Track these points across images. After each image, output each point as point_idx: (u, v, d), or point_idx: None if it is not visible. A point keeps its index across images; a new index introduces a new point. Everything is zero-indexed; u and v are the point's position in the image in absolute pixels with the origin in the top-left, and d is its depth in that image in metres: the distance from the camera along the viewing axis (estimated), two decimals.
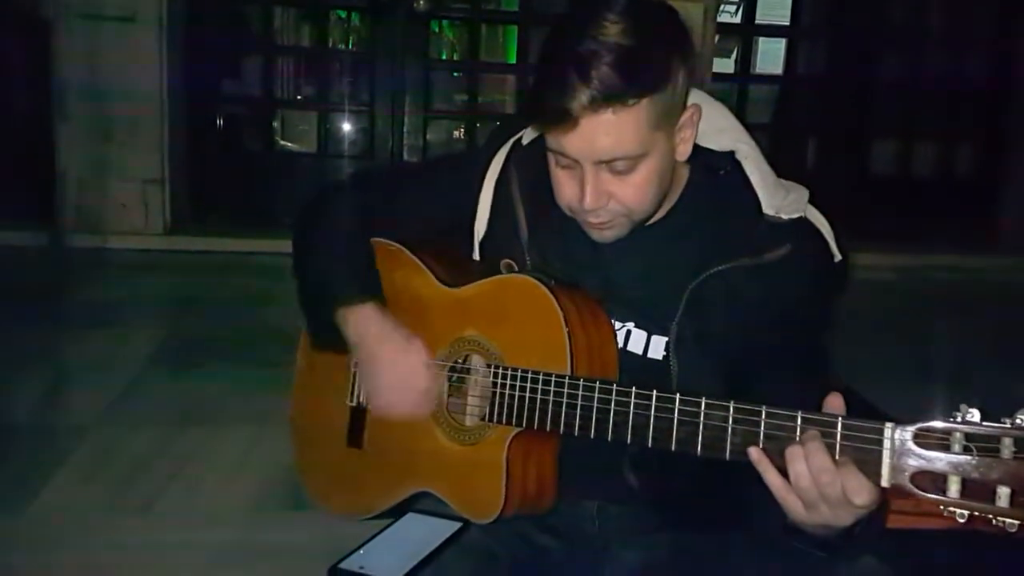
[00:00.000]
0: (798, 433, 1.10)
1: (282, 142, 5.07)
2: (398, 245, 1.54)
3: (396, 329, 1.47)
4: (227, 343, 3.35)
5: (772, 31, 5.15)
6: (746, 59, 4.93)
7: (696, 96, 1.37)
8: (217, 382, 2.99)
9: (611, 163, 1.26)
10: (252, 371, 2.96)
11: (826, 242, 1.37)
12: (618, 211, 1.32)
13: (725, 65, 5.54)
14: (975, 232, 4.86)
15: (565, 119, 1.22)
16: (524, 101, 1.47)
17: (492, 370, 1.38)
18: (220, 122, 4.66)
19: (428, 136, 4.68)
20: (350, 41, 5.50)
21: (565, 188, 1.32)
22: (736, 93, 4.72)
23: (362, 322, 1.47)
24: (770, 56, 5.42)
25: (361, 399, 1.55)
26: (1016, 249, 4.75)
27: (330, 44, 5.11)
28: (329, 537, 1.53)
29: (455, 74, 5.41)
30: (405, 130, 4.55)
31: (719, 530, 1.42)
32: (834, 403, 1.12)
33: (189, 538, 2.14)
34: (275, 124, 4.90)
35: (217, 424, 2.72)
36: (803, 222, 1.36)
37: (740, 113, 4.75)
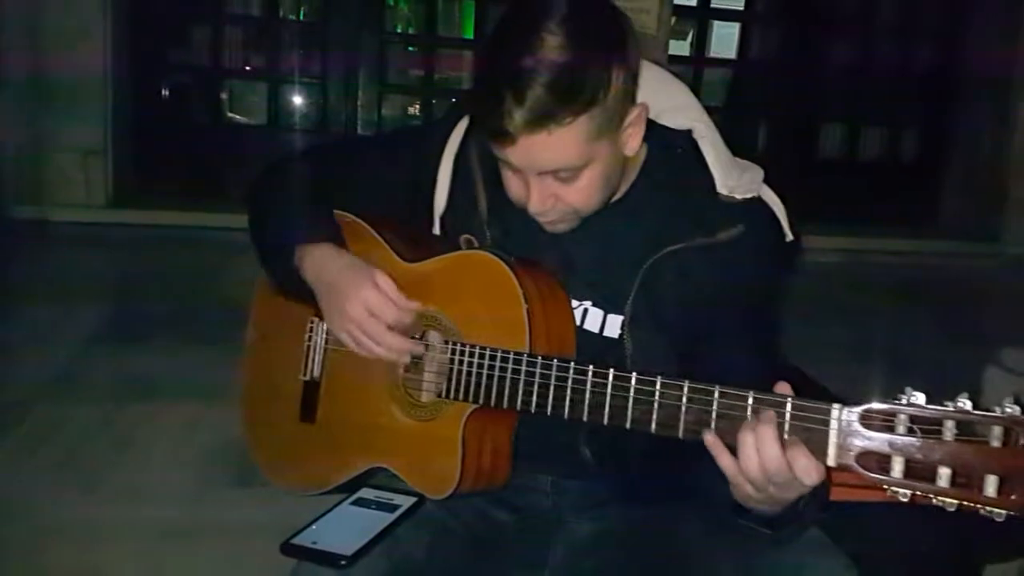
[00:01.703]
0: (749, 413, 1.13)
1: (230, 114, 4.96)
2: (356, 218, 1.52)
3: (357, 262, 1.43)
4: (172, 318, 3.29)
5: (727, 15, 5.18)
6: (701, 42, 4.95)
7: (656, 73, 1.37)
8: (162, 358, 2.94)
9: (555, 172, 1.27)
10: (198, 347, 2.92)
11: (779, 222, 1.39)
12: (565, 211, 1.33)
13: (681, 47, 5.56)
14: (919, 216, 4.96)
15: (503, 137, 1.22)
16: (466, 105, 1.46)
17: (450, 346, 1.37)
18: (166, 92, 4.53)
19: (383, 111, 4.63)
20: (300, 12, 5.39)
21: (512, 187, 1.34)
22: (691, 75, 4.75)
23: (320, 260, 1.44)
24: (724, 40, 5.45)
25: (324, 343, 1.52)
26: (958, 233, 4.86)
27: (280, 14, 5.01)
28: (279, 514, 1.52)
29: (410, 48, 5.35)
30: (359, 104, 4.49)
31: (670, 504, 1.44)
32: (782, 390, 1.14)
33: (134, 515, 2.11)
34: (223, 95, 4.79)
35: (163, 400, 2.68)
36: (757, 202, 1.38)
37: (694, 95, 4.80)
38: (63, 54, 3.95)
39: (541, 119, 1.19)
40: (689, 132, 1.41)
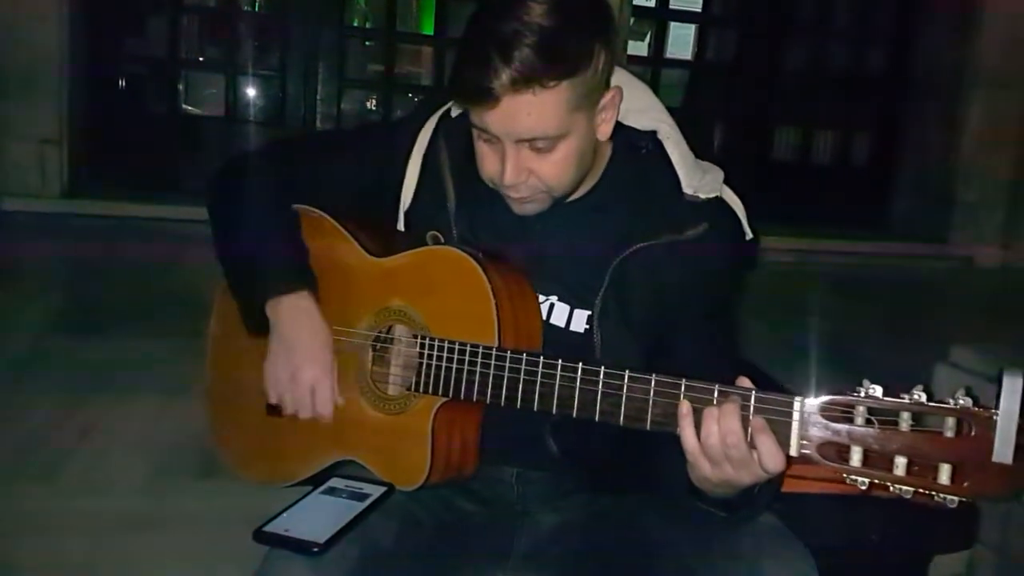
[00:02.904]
0: (715, 405, 1.16)
1: (186, 105, 4.90)
2: (322, 214, 1.52)
3: (319, 327, 1.45)
4: (126, 310, 3.25)
5: (684, 16, 5.24)
6: (659, 43, 5.00)
7: (620, 76, 1.40)
8: (116, 349, 2.90)
9: (532, 141, 1.29)
10: (152, 338, 2.89)
11: (740, 221, 1.43)
12: (538, 187, 1.35)
13: (639, 48, 5.61)
14: (870, 217, 5.06)
15: (486, 98, 1.24)
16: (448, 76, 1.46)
17: (418, 341, 1.39)
18: (122, 82, 4.48)
19: (342, 105, 4.61)
20: (256, 4, 5.34)
21: (487, 161, 1.35)
22: (649, 76, 4.80)
23: (284, 311, 1.45)
24: (681, 41, 5.51)
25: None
26: (908, 234, 4.97)
27: (240, 6, 4.97)
28: (244, 504, 1.52)
29: (367, 43, 5.33)
30: (318, 98, 4.47)
31: (633, 494, 1.47)
32: (743, 383, 1.18)
33: (89, 507, 2.10)
34: (180, 86, 4.74)
35: (116, 392, 2.65)
36: (719, 201, 1.42)
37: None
38: (18, 43, 3.89)
39: (527, 79, 1.21)
40: (654, 132, 1.44)
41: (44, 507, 2.09)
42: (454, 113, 1.48)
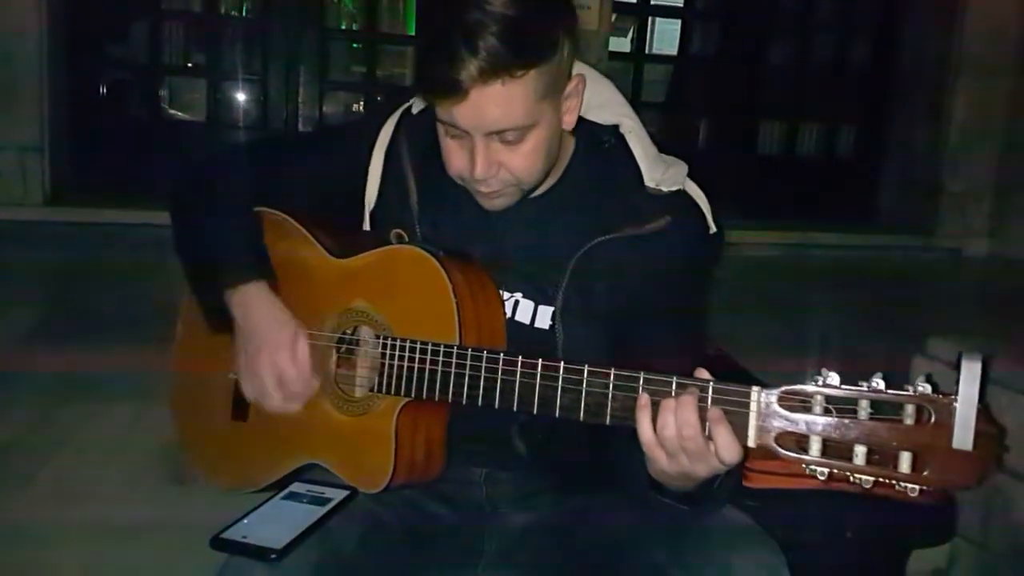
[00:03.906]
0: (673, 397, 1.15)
1: (170, 110, 4.89)
2: (284, 215, 1.51)
3: (282, 315, 1.44)
4: (109, 317, 3.23)
5: (667, 12, 5.23)
6: (642, 39, 5.00)
7: (582, 70, 1.39)
8: (99, 356, 2.88)
9: (501, 133, 1.28)
10: (135, 345, 2.87)
11: (703, 214, 1.42)
12: (508, 180, 1.34)
13: (622, 44, 5.60)
14: (856, 210, 5.06)
15: (455, 90, 1.23)
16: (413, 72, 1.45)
17: (380, 341, 1.38)
18: (104, 89, 4.46)
19: (324, 108, 4.59)
20: (244, 8, 5.33)
21: (455, 158, 1.33)
22: (632, 72, 4.79)
23: (247, 302, 1.43)
24: (667, 37, 5.51)
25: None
26: (894, 227, 4.97)
27: (222, 11, 4.95)
28: (214, 510, 1.51)
29: (355, 45, 5.31)
30: (300, 101, 4.45)
31: (602, 494, 1.46)
32: (701, 375, 1.17)
33: (68, 514, 2.08)
34: (162, 92, 4.73)
35: (99, 399, 2.64)
36: (682, 195, 1.41)
37: (636, 92, 4.86)
38: None
39: (495, 69, 1.20)
40: (616, 127, 1.43)
41: (18, 515, 2.08)
42: (415, 110, 1.47)
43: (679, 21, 5.14)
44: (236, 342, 1.46)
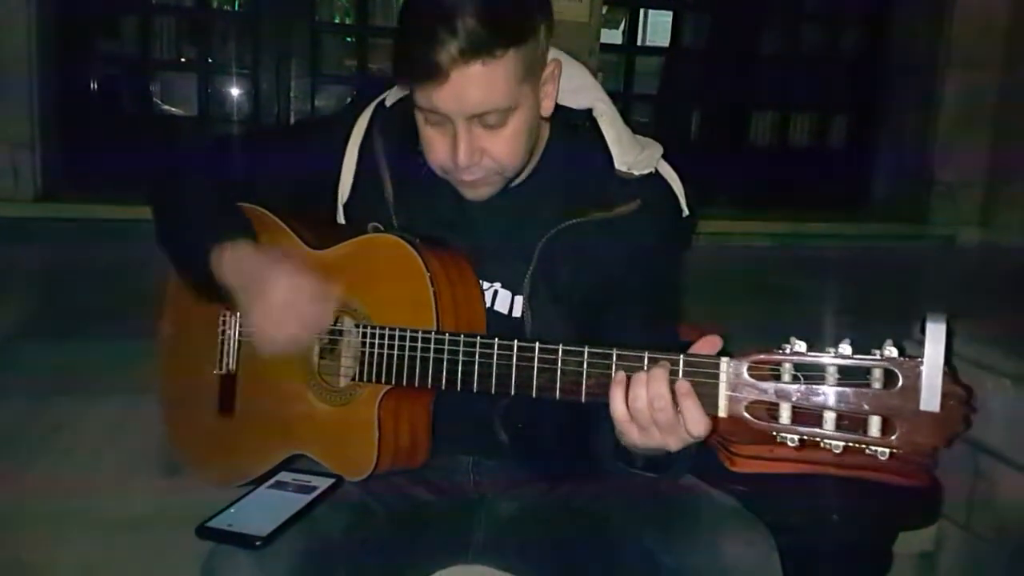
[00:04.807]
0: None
1: (162, 105, 4.88)
2: (261, 208, 1.52)
3: (272, 258, 1.41)
4: (101, 312, 3.23)
5: (658, 3, 5.21)
6: (633, 31, 4.98)
7: (555, 55, 1.40)
8: (90, 352, 2.89)
9: (483, 117, 1.28)
10: (126, 341, 2.87)
11: (676, 197, 1.43)
12: (491, 167, 1.34)
13: (613, 36, 5.59)
14: (849, 199, 5.06)
15: (436, 73, 1.23)
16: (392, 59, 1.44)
17: (360, 330, 1.38)
18: (95, 84, 4.45)
19: (316, 102, 4.58)
20: (235, 2, 5.32)
21: (437, 147, 1.33)
22: (624, 64, 4.78)
23: (237, 257, 1.41)
24: (659, 29, 5.49)
25: (239, 335, 1.51)
26: (888, 215, 4.97)
27: (214, 5, 4.94)
28: (203, 505, 1.51)
29: (347, 39, 5.30)
30: (292, 95, 4.44)
31: (587, 480, 1.47)
32: (709, 345, 1.17)
33: (61, 508, 2.09)
34: (153, 86, 4.71)
35: (89, 394, 2.64)
36: (654, 177, 1.41)
37: (628, 84, 4.86)
38: None
39: (475, 50, 1.21)
40: (589, 111, 1.44)
41: (8, 508, 2.08)
42: (389, 103, 1.47)
43: (671, 13, 5.13)
44: (239, 299, 1.42)
